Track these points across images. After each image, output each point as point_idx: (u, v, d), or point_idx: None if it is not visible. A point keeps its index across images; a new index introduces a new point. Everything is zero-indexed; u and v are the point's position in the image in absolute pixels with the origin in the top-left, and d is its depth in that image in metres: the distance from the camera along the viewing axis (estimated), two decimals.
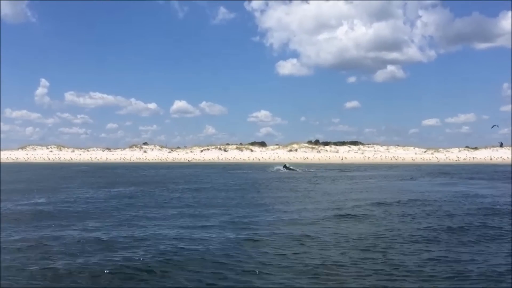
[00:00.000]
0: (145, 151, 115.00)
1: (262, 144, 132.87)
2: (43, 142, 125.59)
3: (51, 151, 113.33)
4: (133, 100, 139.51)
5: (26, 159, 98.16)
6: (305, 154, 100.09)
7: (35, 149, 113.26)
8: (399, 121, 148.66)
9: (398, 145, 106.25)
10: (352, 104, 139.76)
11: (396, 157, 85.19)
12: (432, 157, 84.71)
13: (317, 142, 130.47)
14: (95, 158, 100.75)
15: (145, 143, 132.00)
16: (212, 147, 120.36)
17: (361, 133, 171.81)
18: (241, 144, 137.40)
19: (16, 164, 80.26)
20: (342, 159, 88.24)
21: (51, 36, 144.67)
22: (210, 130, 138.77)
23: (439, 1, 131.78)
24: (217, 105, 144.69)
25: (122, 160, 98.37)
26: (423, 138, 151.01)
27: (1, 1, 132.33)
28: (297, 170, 50.17)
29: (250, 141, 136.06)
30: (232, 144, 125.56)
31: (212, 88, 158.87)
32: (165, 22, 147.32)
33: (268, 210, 15.92)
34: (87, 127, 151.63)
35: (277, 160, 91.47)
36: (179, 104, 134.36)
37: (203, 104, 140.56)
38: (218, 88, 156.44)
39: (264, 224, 12.79)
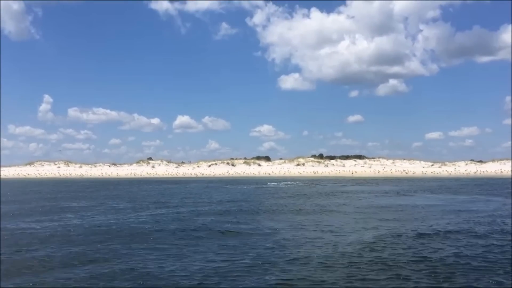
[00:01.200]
0: (153, 166, 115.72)
1: (267, 158, 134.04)
2: (46, 158, 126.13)
3: (58, 167, 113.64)
4: (136, 115, 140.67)
5: (38, 175, 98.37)
6: (313, 168, 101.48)
7: (43, 165, 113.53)
8: (402, 135, 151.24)
9: (404, 159, 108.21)
10: (354, 118, 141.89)
11: (406, 171, 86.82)
12: (442, 170, 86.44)
13: (321, 156, 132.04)
14: (106, 173, 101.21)
15: (149, 158, 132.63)
16: (219, 161, 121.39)
17: (364, 147, 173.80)
18: (245, 158, 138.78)
19: (29, 180, 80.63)
20: (352, 173, 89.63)
21: (54, 53, 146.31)
22: (213, 145, 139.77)
23: (440, 16, 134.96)
24: (220, 119, 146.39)
25: (132, 176, 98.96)
26: (426, 151, 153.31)
27: (5, 19, 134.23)
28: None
29: (254, 156, 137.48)
30: (238, 159, 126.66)
31: (215, 103, 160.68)
32: (168, 38, 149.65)
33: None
34: (90, 143, 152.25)
35: (287, 174, 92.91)
36: (182, 119, 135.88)
37: (206, 119, 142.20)
38: (220, 103, 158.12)
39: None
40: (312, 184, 54.85)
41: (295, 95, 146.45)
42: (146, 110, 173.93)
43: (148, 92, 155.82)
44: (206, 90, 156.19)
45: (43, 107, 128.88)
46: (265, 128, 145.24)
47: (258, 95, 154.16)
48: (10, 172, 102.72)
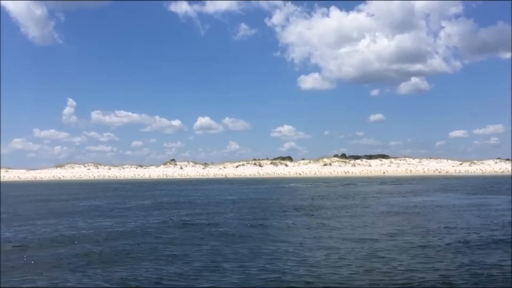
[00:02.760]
0: (181, 168, 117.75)
1: (289, 159, 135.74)
2: (71, 160, 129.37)
3: (88, 169, 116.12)
4: (157, 117, 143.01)
5: (72, 176, 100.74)
6: (342, 168, 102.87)
7: (73, 167, 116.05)
8: (425, 133, 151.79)
9: (431, 158, 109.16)
10: (376, 117, 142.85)
11: (439, 170, 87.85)
12: (476, 169, 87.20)
13: (344, 156, 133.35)
14: (138, 175, 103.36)
15: (173, 160, 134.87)
16: (244, 162, 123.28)
17: (386, 146, 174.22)
18: (267, 159, 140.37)
19: (69, 182, 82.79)
20: (384, 173, 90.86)
21: (77, 57, 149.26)
22: (234, 145, 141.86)
23: (462, 12, 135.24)
24: (240, 120, 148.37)
25: (164, 177, 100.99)
26: (450, 150, 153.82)
27: (29, 25, 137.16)
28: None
29: (275, 156, 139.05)
30: (260, 159, 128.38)
31: (235, 104, 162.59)
32: (187, 40, 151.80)
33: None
34: (113, 145, 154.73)
35: (317, 174, 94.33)
36: (202, 120, 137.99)
37: (226, 120, 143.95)
38: (241, 103, 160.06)
39: None
40: (353, 184, 56.27)
41: (315, 95, 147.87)
42: (167, 112, 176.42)
43: (169, 95, 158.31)
44: (226, 91, 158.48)
45: (67, 110, 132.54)
46: (286, 129, 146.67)
47: (278, 95, 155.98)
48: (46, 174, 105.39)
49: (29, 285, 9.07)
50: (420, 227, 17.10)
